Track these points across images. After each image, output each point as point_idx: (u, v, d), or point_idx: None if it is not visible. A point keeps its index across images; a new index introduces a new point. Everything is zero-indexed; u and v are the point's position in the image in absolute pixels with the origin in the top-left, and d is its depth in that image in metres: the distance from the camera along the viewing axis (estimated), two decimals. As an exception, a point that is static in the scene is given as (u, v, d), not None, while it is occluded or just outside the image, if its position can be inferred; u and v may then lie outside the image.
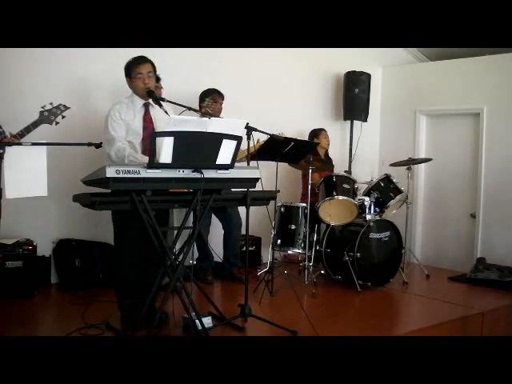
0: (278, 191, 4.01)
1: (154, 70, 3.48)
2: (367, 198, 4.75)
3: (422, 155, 6.20)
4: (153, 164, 2.85)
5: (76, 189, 3.23)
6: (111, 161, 3.33)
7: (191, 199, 3.14)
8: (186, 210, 3.26)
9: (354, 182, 4.81)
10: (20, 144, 3.15)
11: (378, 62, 6.56)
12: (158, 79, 4.04)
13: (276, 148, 4.26)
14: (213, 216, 4.77)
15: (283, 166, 4.74)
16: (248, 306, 3.49)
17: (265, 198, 3.59)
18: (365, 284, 4.52)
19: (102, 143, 3.47)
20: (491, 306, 4.18)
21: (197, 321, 3.16)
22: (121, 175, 2.79)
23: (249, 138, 3.52)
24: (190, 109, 3.53)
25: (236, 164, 3.14)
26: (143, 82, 3.39)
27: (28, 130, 3.19)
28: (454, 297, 4.41)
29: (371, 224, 4.61)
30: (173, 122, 2.83)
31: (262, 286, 4.29)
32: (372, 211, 4.76)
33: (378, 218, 4.75)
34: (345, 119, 6.24)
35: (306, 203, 4.68)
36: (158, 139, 2.84)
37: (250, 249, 4.88)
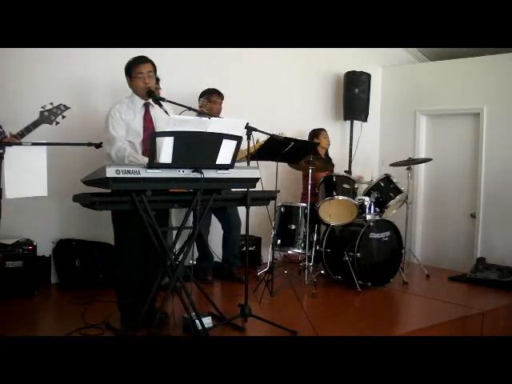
0: (278, 191, 4.01)
1: (155, 70, 3.48)
2: (367, 198, 4.75)
3: (422, 155, 6.20)
4: (153, 164, 2.85)
5: (76, 189, 3.23)
6: (111, 161, 3.33)
7: (191, 199, 3.14)
8: (185, 209, 3.26)
9: (354, 182, 4.82)
10: (20, 144, 3.15)
11: (378, 62, 6.56)
12: (157, 80, 4.04)
13: (276, 148, 4.26)
14: (212, 216, 4.78)
15: (283, 166, 4.74)
16: (248, 306, 3.49)
17: (265, 198, 3.59)
18: (365, 284, 4.52)
19: (101, 143, 3.47)
20: (491, 306, 4.18)
21: (197, 321, 3.15)
22: (121, 175, 2.79)
23: (249, 138, 3.52)
24: (190, 109, 3.53)
25: (236, 164, 3.14)
26: (144, 82, 3.39)
27: (28, 129, 3.19)
28: (454, 297, 4.41)
29: (371, 224, 4.61)
30: (173, 121, 2.83)
31: (262, 286, 4.29)
32: (372, 211, 4.76)
33: (377, 218, 4.76)
34: (345, 119, 6.24)
35: (306, 203, 4.68)
36: (158, 139, 2.84)
37: (249, 249, 4.89)
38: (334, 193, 4.64)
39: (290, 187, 5.47)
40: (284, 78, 5.77)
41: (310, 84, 6.07)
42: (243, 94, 5.25)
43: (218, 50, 4.91)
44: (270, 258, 4.72)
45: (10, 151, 3.09)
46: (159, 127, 3.40)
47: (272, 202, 4.01)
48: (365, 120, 6.18)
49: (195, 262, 4.36)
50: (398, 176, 5.00)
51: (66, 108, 3.35)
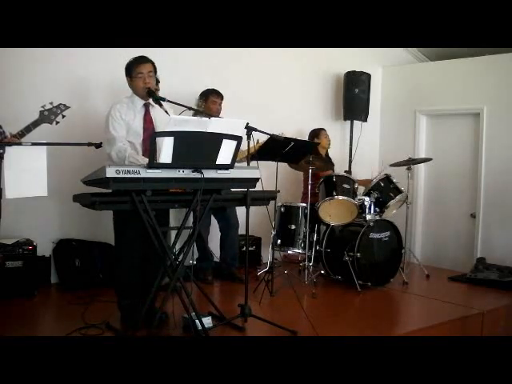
0: (278, 191, 4.01)
1: (155, 70, 3.48)
2: (367, 198, 4.76)
3: (422, 155, 6.20)
4: (153, 164, 2.85)
5: (76, 189, 3.23)
6: (112, 161, 3.33)
7: (191, 199, 3.14)
8: (185, 209, 3.26)
9: (354, 182, 4.81)
10: (20, 144, 3.15)
11: (378, 62, 6.56)
12: (157, 82, 4.03)
13: (276, 148, 4.26)
14: (212, 216, 4.78)
15: (283, 166, 4.74)
16: (248, 306, 3.50)
17: (265, 198, 3.59)
18: (365, 284, 4.52)
19: (101, 143, 3.47)
20: (491, 306, 4.18)
21: (197, 321, 3.15)
22: (121, 175, 2.79)
23: (249, 138, 3.52)
24: (190, 109, 3.53)
25: (236, 164, 3.14)
26: (144, 82, 3.39)
27: (28, 129, 3.19)
28: (454, 297, 4.41)
29: (371, 224, 4.61)
30: (173, 121, 2.83)
31: (262, 286, 4.29)
32: (372, 211, 4.76)
33: (377, 218, 4.76)
34: (345, 119, 6.24)
35: (306, 203, 4.68)
36: (158, 139, 2.84)
37: (249, 249, 4.89)
38: (334, 193, 4.63)
39: (290, 187, 5.48)
40: (284, 78, 5.77)
41: (310, 84, 6.07)
42: (243, 95, 5.25)
43: (217, 49, 4.91)
44: (270, 258, 4.71)
45: (10, 151, 3.09)
46: (159, 127, 3.39)
47: (272, 202, 4.01)
48: (365, 120, 6.18)
49: (195, 262, 4.36)
50: (398, 176, 5.01)
51: (66, 107, 3.35)
